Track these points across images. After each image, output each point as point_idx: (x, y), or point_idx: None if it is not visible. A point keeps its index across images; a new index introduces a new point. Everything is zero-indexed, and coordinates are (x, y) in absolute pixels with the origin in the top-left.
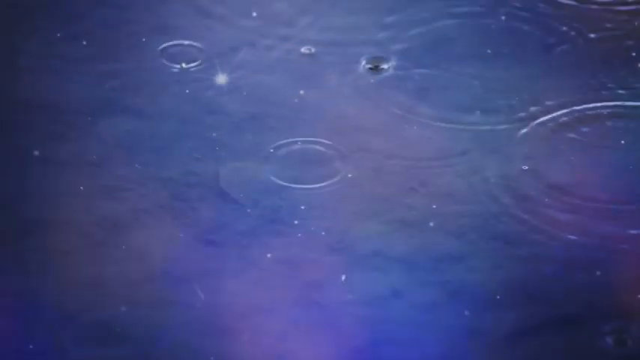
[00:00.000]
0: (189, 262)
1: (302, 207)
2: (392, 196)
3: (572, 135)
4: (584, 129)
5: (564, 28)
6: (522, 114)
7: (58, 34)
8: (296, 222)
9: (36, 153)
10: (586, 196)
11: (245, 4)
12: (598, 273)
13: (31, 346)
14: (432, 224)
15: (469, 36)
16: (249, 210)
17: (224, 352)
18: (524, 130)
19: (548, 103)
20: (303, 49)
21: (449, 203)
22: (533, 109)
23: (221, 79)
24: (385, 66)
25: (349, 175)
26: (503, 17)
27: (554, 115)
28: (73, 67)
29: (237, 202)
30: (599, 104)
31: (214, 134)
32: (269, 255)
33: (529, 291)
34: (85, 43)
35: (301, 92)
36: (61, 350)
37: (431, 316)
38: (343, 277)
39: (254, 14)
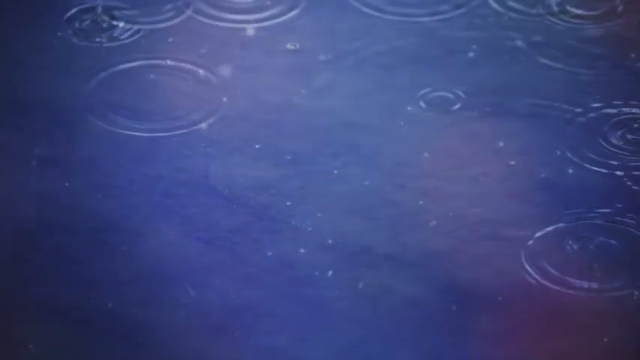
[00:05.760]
0: (179, 259)
1: (291, 204)
2: (381, 193)
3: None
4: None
5: None
6: (509, 111)
7: (47, 32)
8: (285, 219)
9: (24, 151)
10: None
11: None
12: (608, 276)
13: (21, 344)
14: (421, 220)
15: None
16: (238, 207)
17: (214, 349)
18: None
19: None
20: (289, 45)
21: (438, 200)
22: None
23: (210, 75)
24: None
25: (335, 172)
26: None
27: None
28: (61, 65)
29: (226, 199)
30: None
31: (204, 131)
32: (259, 252)
33: (520, 287)
34: (74, 40)
35: (289, 89)
36: (51, 347)
37: (420, 313)
38: (330, 273)
39: (243, 12)
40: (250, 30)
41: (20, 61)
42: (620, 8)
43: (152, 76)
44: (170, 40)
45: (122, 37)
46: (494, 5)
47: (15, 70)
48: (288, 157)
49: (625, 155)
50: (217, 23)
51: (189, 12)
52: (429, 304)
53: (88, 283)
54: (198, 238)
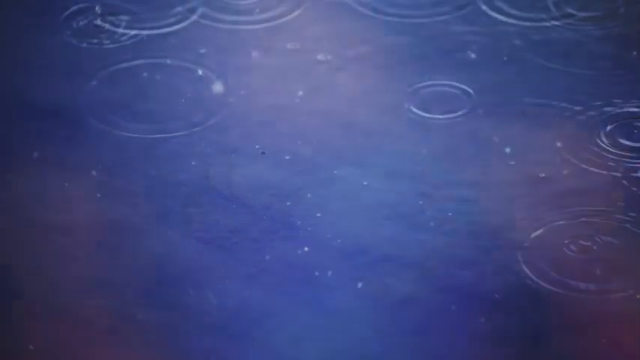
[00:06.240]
0: (179, 259)
1: (291, 204)
2: (380, 193)
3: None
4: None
5: None
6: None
7: (47, 32)
8: (285, 219)
9: (47, 157)
10: (590, 201)
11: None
12: (606, 277)
13: (42, 349)
14: (420, 220)
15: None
16: (238, 207)
17: (214, 349)
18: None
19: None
20: (289, 45)
21: (437, 199)
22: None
23: (210, 75)
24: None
25: (335, 172)
26: None
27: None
28: (61, 65)
29: (226, 199)
30: None
31: (226, 139)
32: (258, 252)
33: (519, 287)
34: (74, 41)
35: (289, 89)
36: (72, 354)
37: (420, 313)
38: (329, 273)
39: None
40: (250, 30)
41: (20, 62)
42: (620, 9)
43: (152, 76)
44: (170, 40)
45: (123, 38)
46: (495, 6)
47: (15, 71)
48: (288, 157)
49: (624, 155)
50: (217, 24)
51: (188, 12)
52: (429, 304)
53: (88, 283)
54: (199, 238)
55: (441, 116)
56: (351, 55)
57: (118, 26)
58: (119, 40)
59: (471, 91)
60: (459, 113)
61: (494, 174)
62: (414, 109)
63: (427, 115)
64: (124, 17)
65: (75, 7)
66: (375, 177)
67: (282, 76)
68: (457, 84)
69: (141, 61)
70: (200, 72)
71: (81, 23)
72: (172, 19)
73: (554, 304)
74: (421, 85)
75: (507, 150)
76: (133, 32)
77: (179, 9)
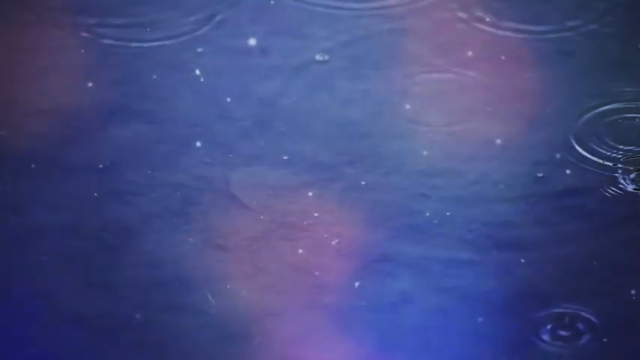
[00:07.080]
0: (200, 266)
1: (312, 212)
2: (380, 193)
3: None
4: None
5: None
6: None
7: (72, 38)
8: (285, 219)
9: (47, 158)
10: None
11: (255, 13)
12: (614, 278)
13: (43, 350)
14: (420, 221)
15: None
16: (237, 207)
17: (235, 357)
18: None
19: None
20: (318, 56)
21: (437, 199)
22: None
23: (209, 75)
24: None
25: (334, 172)
26: None
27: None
28: (84, 73)
29: (247, 207)
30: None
31: (225, 139)
32: (258, 252)
33: (540, 296)
34: (74, 41)
35: (287, 89)
36: (73, 354)
37: (419, 313)
38: (330, 273)
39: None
40: (250, 30)
41: (20, 62)
42: (620, 9)
43: (152, 76)
44: (170, 41)
45: (124, 38)
46: (493, 6)
47: (15, 71)
48: (287, 157)
49: (624, 154)
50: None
51: (206, 20)
52: (428, 304)
53: (88, 283)
54: (219, 245)
55: (439, 115)
56: (349, 55)
57: (128, 40)
58: (120, 41)
59: (469, 91)
60: (459, 113)
61: (494, 174)
62: (413, 109)
63: (426, 114)
64: (133, 27)
65: (76, 8)
66: (374, 177)
67: (281, 76)
68: (456, 84)
69: (140, 62)
70: (198, 72)
71: (83, 24)
72: (186, 28)
73: (553, 304)
74: (420, 84)
75: (506, 149)
76: (134, 32)
77: (192, 19)
